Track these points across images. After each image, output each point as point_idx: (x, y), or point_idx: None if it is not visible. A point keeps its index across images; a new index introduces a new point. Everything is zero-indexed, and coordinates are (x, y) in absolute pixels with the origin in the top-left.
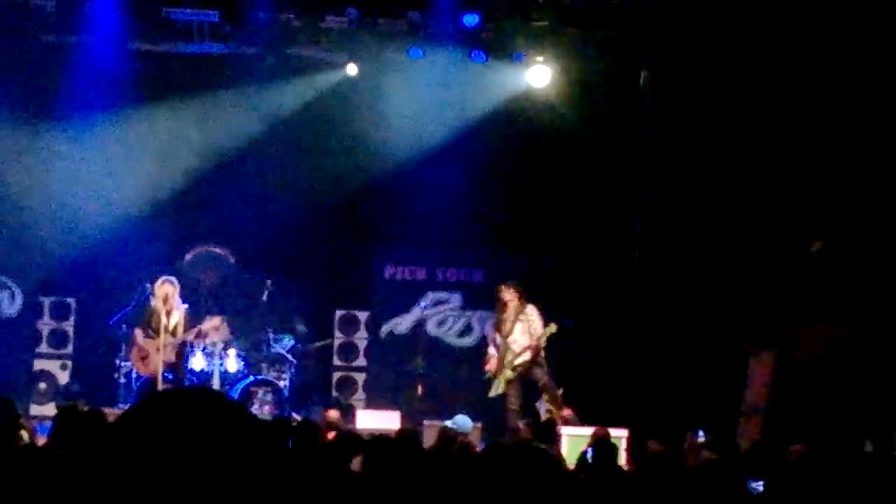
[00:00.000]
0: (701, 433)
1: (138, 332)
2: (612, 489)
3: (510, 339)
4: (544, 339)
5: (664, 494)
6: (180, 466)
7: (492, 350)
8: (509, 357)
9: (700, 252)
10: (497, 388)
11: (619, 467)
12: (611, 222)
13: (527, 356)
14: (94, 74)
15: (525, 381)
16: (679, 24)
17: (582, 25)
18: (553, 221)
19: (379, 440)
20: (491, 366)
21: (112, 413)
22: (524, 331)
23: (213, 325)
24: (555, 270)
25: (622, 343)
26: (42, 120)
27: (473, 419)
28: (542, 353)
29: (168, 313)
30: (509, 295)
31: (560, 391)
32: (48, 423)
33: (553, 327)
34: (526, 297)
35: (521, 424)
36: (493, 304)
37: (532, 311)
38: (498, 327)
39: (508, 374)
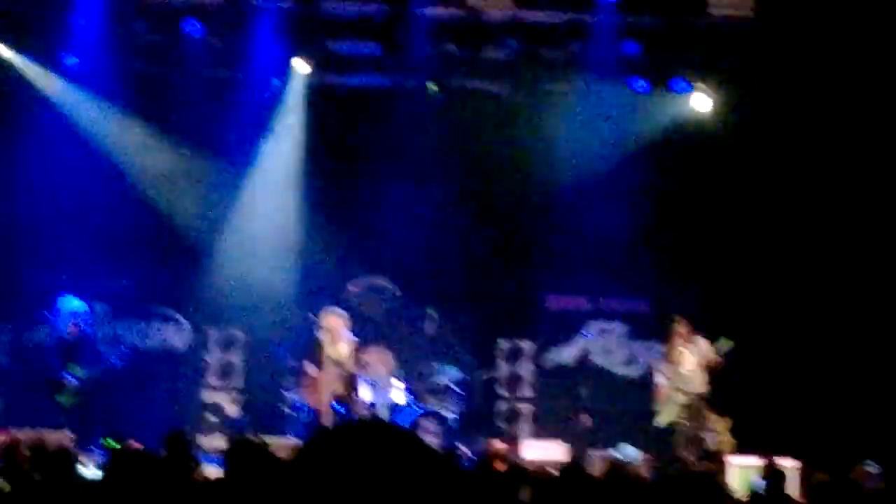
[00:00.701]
0: (873, 464)
1: (308, 365)
2: None
3: (680, 367)
4: (718, 354)
5: None
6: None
7: (660, 379)
8: (680, 384)
9: (876, 274)
10: (667, 417)
11: (790, 498)
12: (778, 248)
13: (698, 384)
14: (258, 107)
15: (695, 411)
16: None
17: (742, 52)
18: (718, 249)
19: (546, 473)
20: (661, 396)
21: (282, 444)
22: (694, 361)
23: (380, 356)
24: (721, 299)
25: (792, 371)
26: (206, 151)
27: (640, 449)
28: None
29: (335, 345)
30: (681, 327)
31: (728, 421)
32: (215, 455)
33: (729, 342)
34: (692, 330)
35: (688, 454)
36: (658, 335)
37: (700, 341)
38: (667, 356)
39: (681, 398)
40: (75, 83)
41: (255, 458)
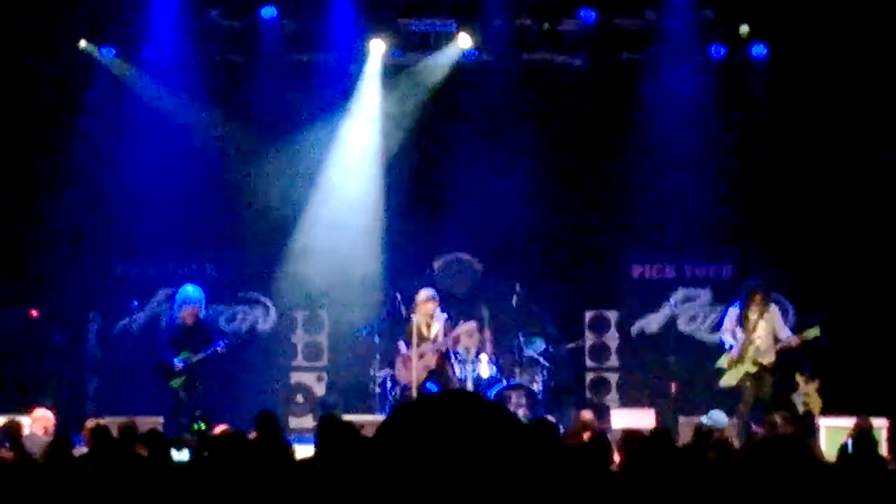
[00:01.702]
0: None
1: (401, 345)
2: (876, 480)
3: (754, 335)
4: (803, 341)
5: None
6: (445, 471)
7: (730, 338)
8: (751, 352)
9: None
10: (731, 380)
11: (882, 458)
12: (864, 209)
13: (772, 356)
14: (337, 88)
15: (759, 379)
16: None
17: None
18: (801, 212)
19: (634, 437)
20: (730, 359)
21: (370, 422)
22: (767, 330)
23: (467, 331)
24: (805, 261)
25: (880, 331)
26: (288, 132)
27: (728, 415)
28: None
29: (429, 326)
30: (758, 296)
31: (817, 383)
32: (308, 435)
33: (816, 330)
34: (769, 297)
35: (777, 418)
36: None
37: (775, 311)
38: (742, 323)
39: (750, 367)
40: (156, 74)
41: (342, 435)
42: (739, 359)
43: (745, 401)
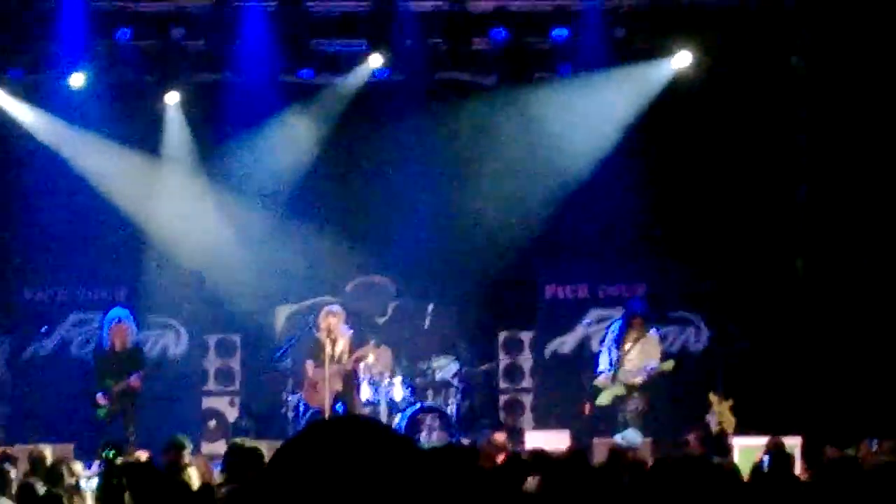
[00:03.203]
0: (875, 441)
1: (309, 365)
2: (790, 499)
3: (627, 357)
4: (657, 372)
5: (844, 502)
6: (340, 497)
7: (605, 360)
8: (621, 375)
9: (869, 249)
10: (604, 399)
11: (796, 476)
12: (771, 225)
13: (639, 380)
14: (247, 109)
15: (640, 395)
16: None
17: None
18: (714, 228)
19: (547, 459)
20: (602, 379)
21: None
22: (641, 352)
23: (376, 354)
24: (718, 278)
25: (791, 350)
26: (201, 159)
27: (645, 435)
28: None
29: (333, 342)
30: (637, 322)
31: (730, 401)
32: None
33: (670, 364)
34: (650, 322)
35: (691, 437)
36: (657, 320)
37: (653, 337)
38: (620, 343)
39: (619, 389)
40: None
41: (249, 461)
42: (611, 379)
43: (619, 421)
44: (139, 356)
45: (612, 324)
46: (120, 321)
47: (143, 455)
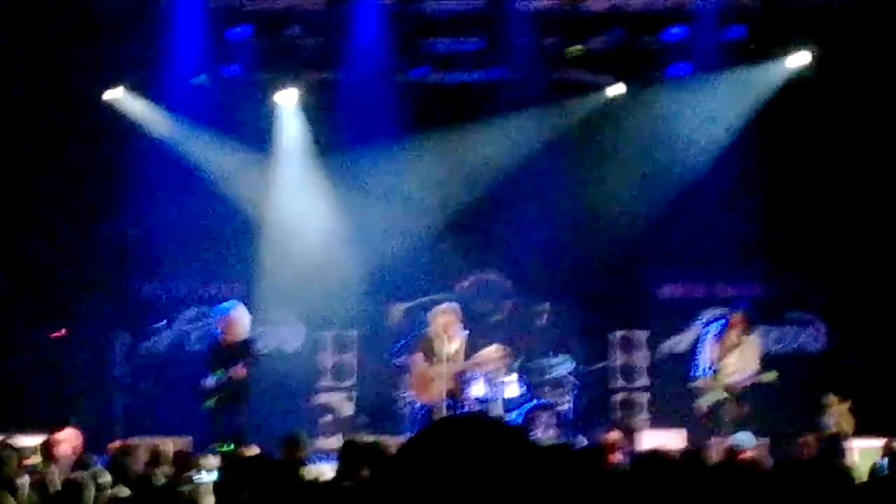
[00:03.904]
0: None
1: (418, 358)
2: None
3: (725, 361)
4: (758, 381)
5: None
6: (463, 496)
7: (705, 360)
8: (721, 378)
9: None
10: (705, 403)
11: None
12: (891, 226)
13: (739, 385)
14: (363, 108)
15: (738, 401)
16: None
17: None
18: (831, 229)
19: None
20: (703, 383)
21: (395, 443)
22: (740, 357)
23: (492, 355)
24: (836, 280)
25: None
26: (316, 156)
27: (760, 435)
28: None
29: (449, 340)
30: (738, 321)
31: (848, 403)
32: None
33: (773, 375)
34: (751, 325)
35: (809, 439)
36: (772, 319)
37: (754, 341)
38: (722, 347)
39: (719, 393)
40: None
41: (365, 456)
42: (710, 385)
43: (722, 423)
44: (248, 348)
45: (710, 324)
46: (228, 313)
47: (253, 450)
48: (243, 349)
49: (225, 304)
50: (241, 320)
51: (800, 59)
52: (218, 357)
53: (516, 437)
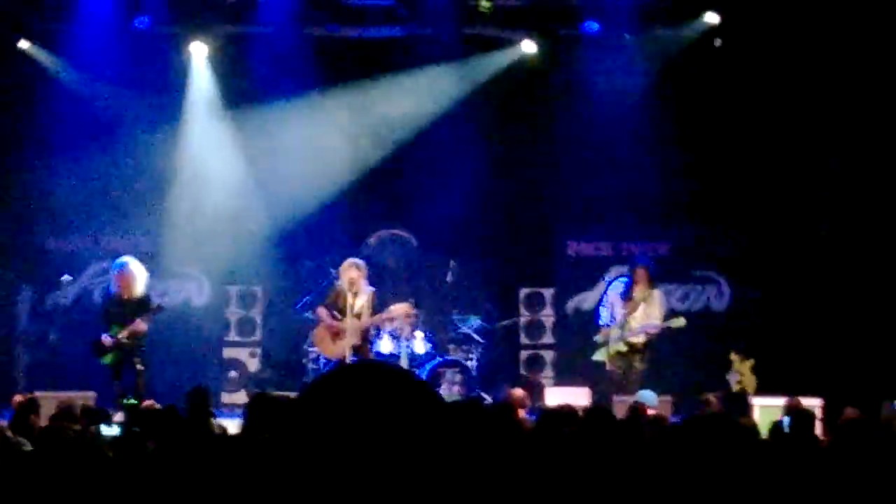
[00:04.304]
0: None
1: (322, 311)
2: (810, 459)
3: (633, 314)
4: (666, 329)
5: (864, 464)
6: (367, 441)
7: (607, 314)
8: (625, 332)
9: (893, 212)
10: (602, 356)
11: (816, 437)
12: (797, 189)
13: (642, 338)
14: (275, 62)
15: (626, 360)
16: None
17: None
18: (738, 190)
19: (574, 415)
20: (603, 334)
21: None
22: (644, 312)
23: (402, 311)
24: (742, 239)
25: (812, 311)
26: (226, 109)
27: (664, 393)
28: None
29: (354, 295)
30: (640, 276)
31: (751, 362)
32: (239, 411)
33: (682, 321)
34: (654, 281)
35: (711, 396)
36: (678, 278)
37: (658, 296)
38: (625, 301)
39: (621, 346)
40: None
41: (272, 411)
42: (611, 337)
43: (612, 379)
44: (147, 303)
45: (613, 280)
46: (123, 268)
47: (154, 405)
48: (141, 305)
49: (120, 260)
50: (136, 276)
51: (710, 18)
52: (113, 313)
53: (421, 386)
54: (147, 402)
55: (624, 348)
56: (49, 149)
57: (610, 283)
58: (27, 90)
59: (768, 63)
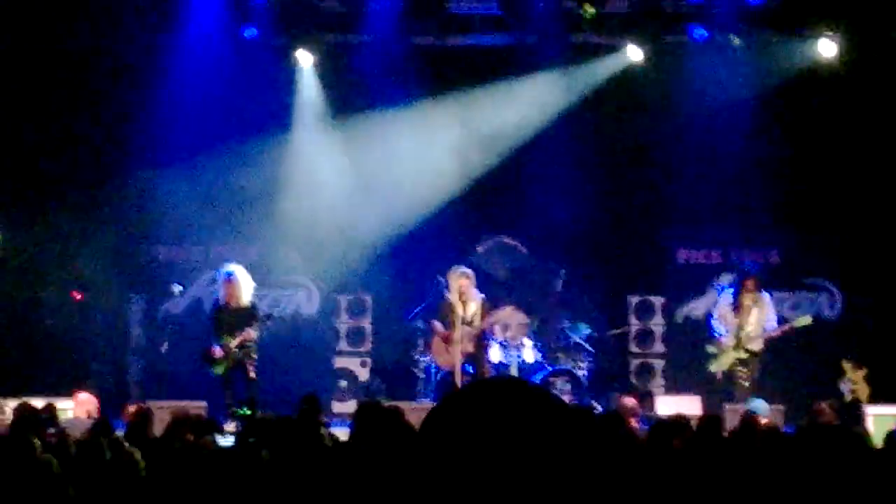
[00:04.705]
0: None
1: (437, 324)
2: None
3: (747, 320)
4: (794, 327)
5: None
6: (496, 458)
7: (721, 325)
8: (742, 339)
9: None
10: (721, 366)
11: None
12: None
13: (760, 344)
14: (381, 71)
15: (750, 365)
16: None
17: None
18: (848, 198)
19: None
20: (720, 345)
21: (411, 408)
22: (758, 317)
23: (508, 316)
24: (853, 247)
25: None
26: (334, 118)
27: (772, 402)
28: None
29: (464, 304)
30: (750, 283)
31: (864, 370)
32: (349, 421)
33: (808, 319)
34: (761, 286)
35: (824, 405)
36: (790, 285)
37: (766, 298)
38: (736, 310)
39: (741, 354)
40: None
41: (383, 420)
42: (732, 346)
43: (740, 386)
44: (254, 312)
45: (723, 289)
46: (229, 277)
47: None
48: (249, 313)
49: (226, 269)
50: (242, 284)
51: (827, 47)
52: (222, 322)
53: (546, 398)
54: (265, 414)
55: (745, 355)
56: (160, 158)
57: (719, 294)
58: (139, 100)
59: (880, 68)
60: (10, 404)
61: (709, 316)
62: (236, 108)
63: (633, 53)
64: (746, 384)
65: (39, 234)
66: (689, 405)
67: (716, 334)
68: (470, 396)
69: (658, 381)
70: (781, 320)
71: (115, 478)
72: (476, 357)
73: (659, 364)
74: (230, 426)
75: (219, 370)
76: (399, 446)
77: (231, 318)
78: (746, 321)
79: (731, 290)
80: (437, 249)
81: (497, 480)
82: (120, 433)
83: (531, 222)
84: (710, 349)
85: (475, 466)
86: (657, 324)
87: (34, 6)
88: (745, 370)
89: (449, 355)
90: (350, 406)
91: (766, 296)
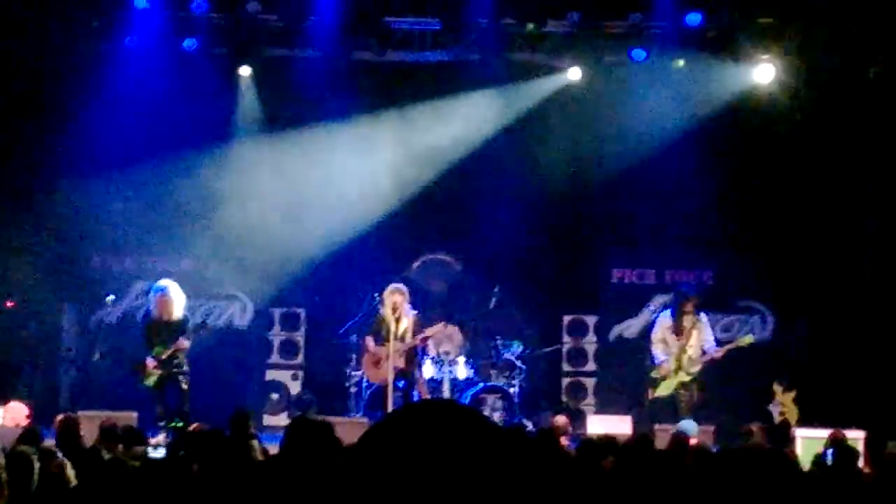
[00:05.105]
0: None
1: (369, 340)
2: (853, 492)
3: (688, 343)
4: (736, 346)
5: None
6: (427, 480)
7: (660, 352)
8: (684, 362)
9: None
10: (665, 390)
11: (860, 470)
12: (842, 220)
13: (699, 366)
14: (321, 85)
15: (692, 387)
16: None
17: (808, 21)
18: (782, 220)
19: (616, 444)
20: (662, 370)
21: (342, 422)
22: (698, 339)
23: (441, 333)
24: (785, 270)
25: (856, 344)
26: (273, 132)
27: (702, 423)
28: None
29: (397, 321)
30: (689, 305)
31: (794, 392)
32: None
33: (750, 339)
34: (698, 308)
35: (754, 427)
36: (723, 307)
37: (704, 320)
38: (676, 332)
39: (684, 377)
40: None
41: (313, 435)
42: (674, 369)
43: (682, 410)
44: (185, 325)
45: (659, 313)
46: (162, 292)
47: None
48: (180, 326)
49: (159, 284)
50: (175, 300)
51: (765, 72)
52: (154, 335)
53: (481, 421)
54: (194, 425)
55: (687, 378)
56: (96, 168)
57: (655, 318)
58: (76, 109)
59: (811, 90)
60: None
61: (646, 341)
62: (176, 119)
63: (573, 73)
64: (686, 406)
65: None
66: (619, 425)
67: (656, 361)
68: (401, 419)
69: (590, 400)
70: (717, 342)
71: (43, 488)
72: (407, 373)
73: (591, 383)
74: (161, 438)
75: (150, 382)
76: (328, 462)
77: (163, 330)
78: (688, 343)
79: (669, 312)
80: (372, 264)
81: (428, 501)
82: (50, 442)
83: (467, 239)
84: (654, 374)
85: (406, 489)
86: (590, 342)
87: None
88: (685, 392)
89: (380, 370)
90: (282, 419)
91: (703, 317)
